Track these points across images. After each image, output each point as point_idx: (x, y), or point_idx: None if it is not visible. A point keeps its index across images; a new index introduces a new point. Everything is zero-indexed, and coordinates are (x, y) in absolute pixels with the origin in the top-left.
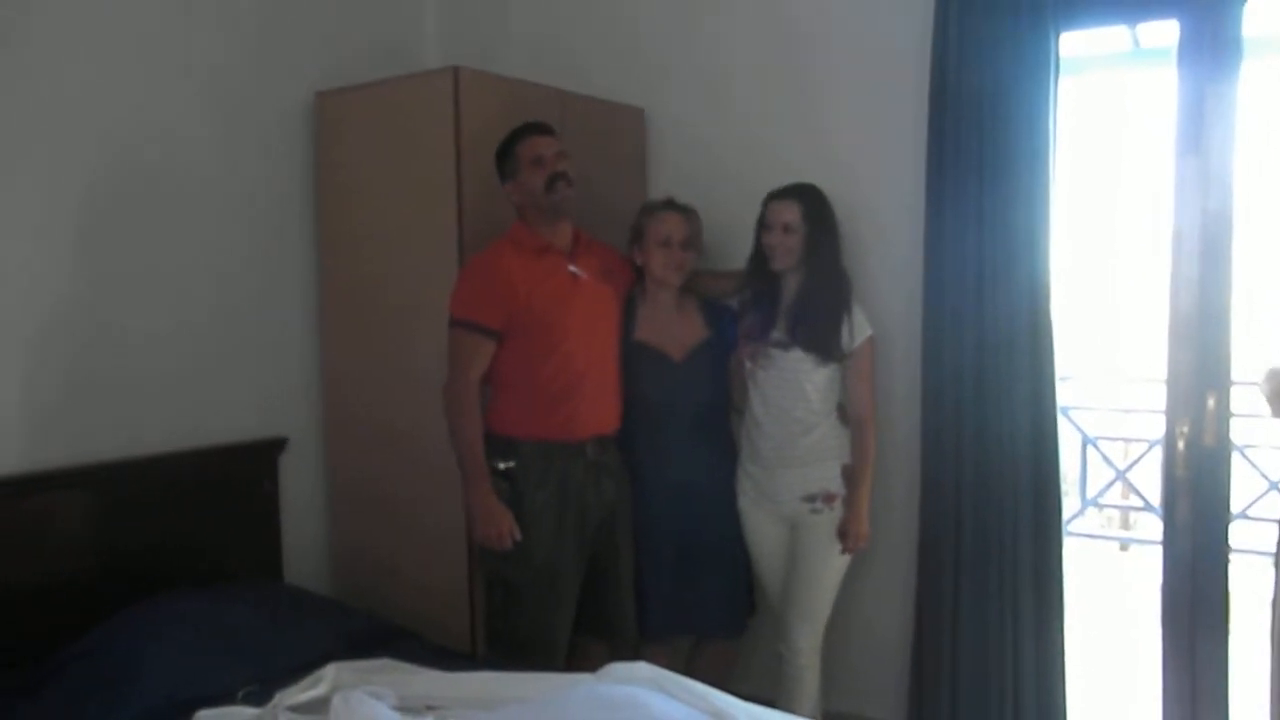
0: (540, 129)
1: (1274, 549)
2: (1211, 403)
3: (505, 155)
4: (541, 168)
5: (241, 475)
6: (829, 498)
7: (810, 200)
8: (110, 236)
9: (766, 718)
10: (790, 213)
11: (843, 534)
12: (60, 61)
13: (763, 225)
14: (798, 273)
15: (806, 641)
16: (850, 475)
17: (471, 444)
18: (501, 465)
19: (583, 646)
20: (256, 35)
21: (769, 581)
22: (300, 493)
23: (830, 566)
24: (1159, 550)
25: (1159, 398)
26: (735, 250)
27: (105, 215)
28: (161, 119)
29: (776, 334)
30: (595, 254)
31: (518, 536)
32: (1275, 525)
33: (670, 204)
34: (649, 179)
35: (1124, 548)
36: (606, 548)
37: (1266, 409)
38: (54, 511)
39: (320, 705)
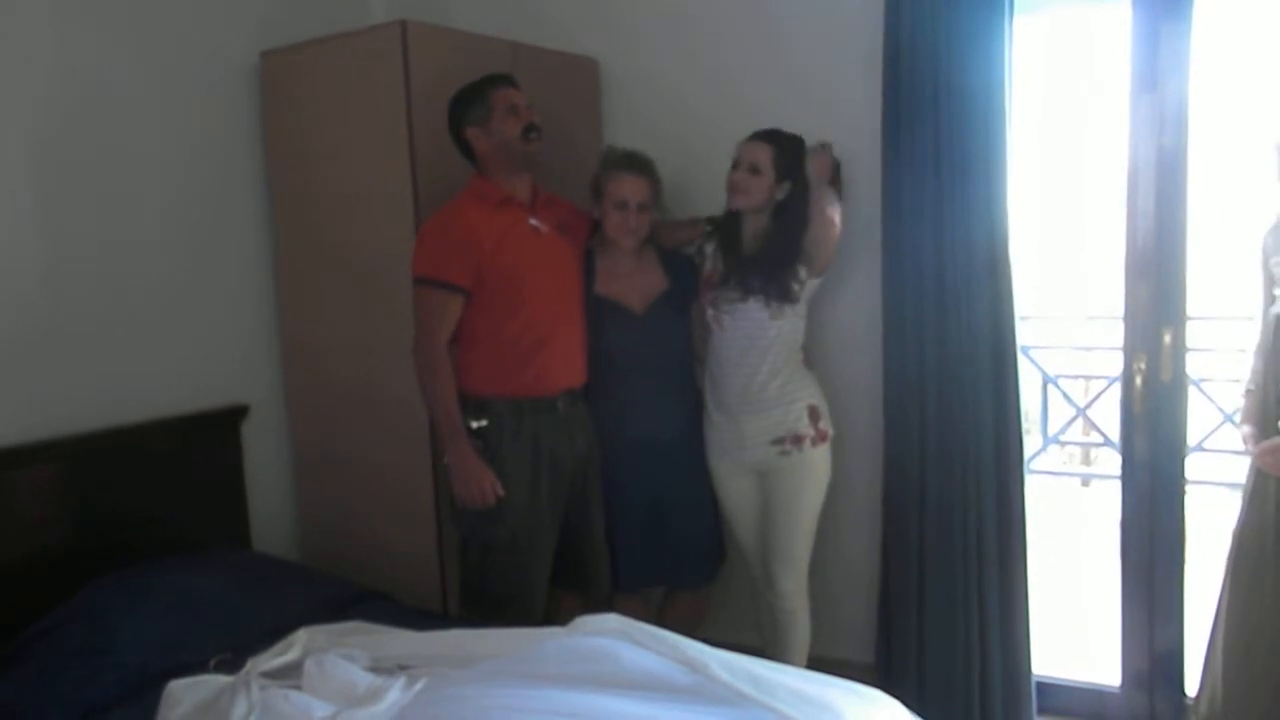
0: (511, 81)
1: (1234, 481)
2: (1168, 338)
3: (474, 101)
4: (517, 116)
5: (204, 445)
6: (797, 439)
7: (784, 147)
8: (54, 207)
9: (737, 663)
10: (760, 153)
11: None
12: None
13: (732, 164)
14: (759, 220)
15: (793, 584)
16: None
17: (446, 404)
18: (474, 424)
19: (557, 599)
20: None
21: (744, 537)
22: (264, 460)
23: (805, 507)
24: (1119, 485)
25: (1117, 335)
26: (690, 201)
27: (47, 184)
28: (102, 88)
29: (736, 282)
30: (553, 208)
31: (500, 492)
32: (1236, 457)
33: (630, 163)
34: (603, 131)
35: (1086, 483)
36: (579, 502)
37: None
38: (13, 488)
39: (293, 670)
